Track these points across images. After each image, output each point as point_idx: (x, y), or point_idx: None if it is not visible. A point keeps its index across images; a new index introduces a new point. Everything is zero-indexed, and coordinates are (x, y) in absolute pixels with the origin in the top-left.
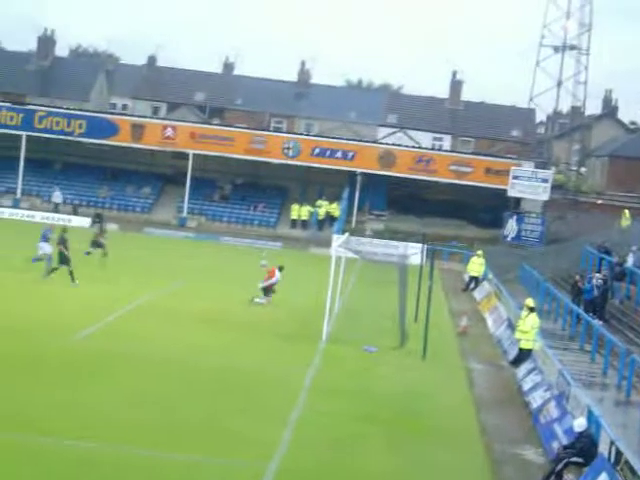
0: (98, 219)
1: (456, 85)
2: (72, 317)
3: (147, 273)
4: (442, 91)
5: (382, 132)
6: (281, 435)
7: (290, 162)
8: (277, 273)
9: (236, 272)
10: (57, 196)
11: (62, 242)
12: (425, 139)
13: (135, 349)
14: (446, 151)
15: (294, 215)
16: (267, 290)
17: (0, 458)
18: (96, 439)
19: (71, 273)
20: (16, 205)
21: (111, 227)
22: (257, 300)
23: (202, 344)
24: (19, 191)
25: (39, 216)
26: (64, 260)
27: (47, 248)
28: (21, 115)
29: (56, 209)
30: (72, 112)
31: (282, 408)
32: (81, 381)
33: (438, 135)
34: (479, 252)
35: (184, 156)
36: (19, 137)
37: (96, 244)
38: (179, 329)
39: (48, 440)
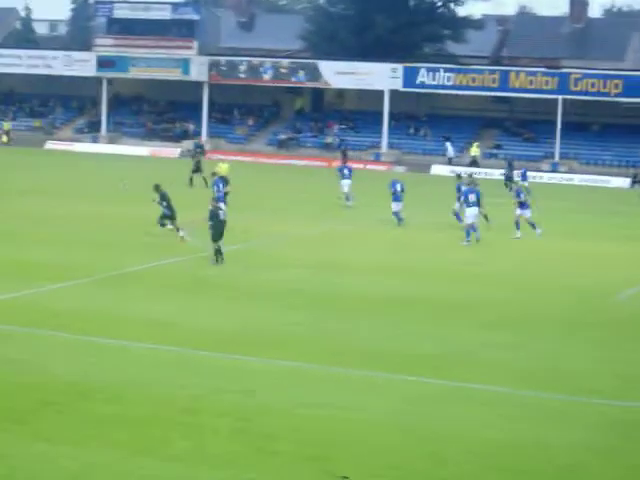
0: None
1: None
2: (613, 275)
3: None
4: None
5: None
6: None
7: None
8: None
9: None
10: (450, 151)
11: None
12: None
13: None
14: None
15: None
16: None
17: (537, 416)
18: None
19: None
20: (554, 168)
21: None
22: None
23: None
24: (557, 154)
25: (577, 179)
26: None
27: None
28: (556, 79)
29: (449, 163)
30: (608, 72)
31: None
32: (620, 342)
33: None
34: None
35: None
36: (555, 101)
37: None
38: None
39: (592, 400)
